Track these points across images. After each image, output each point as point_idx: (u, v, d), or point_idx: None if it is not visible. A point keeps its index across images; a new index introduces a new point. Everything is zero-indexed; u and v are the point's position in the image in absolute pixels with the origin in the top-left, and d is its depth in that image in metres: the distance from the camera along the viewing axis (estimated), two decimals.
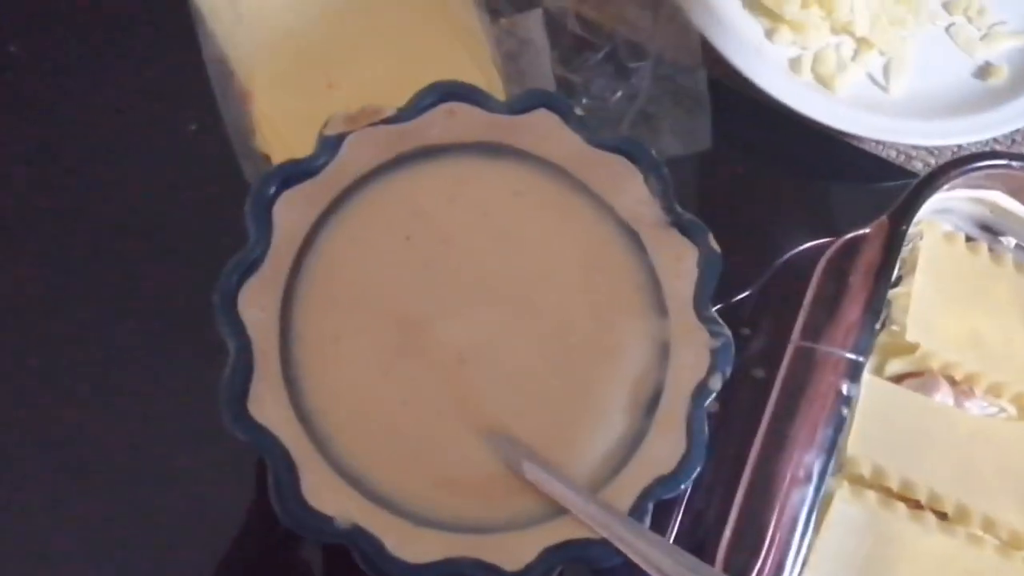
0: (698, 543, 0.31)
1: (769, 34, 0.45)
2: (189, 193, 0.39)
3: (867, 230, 0.34)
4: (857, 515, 0.32)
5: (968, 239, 0.38)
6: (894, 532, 0.33)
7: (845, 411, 0.31)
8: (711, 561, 0.30)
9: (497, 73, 0.40)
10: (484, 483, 0.31)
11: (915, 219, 0.34)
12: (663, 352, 0.33)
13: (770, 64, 0.43)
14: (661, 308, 0.33)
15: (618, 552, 0.28)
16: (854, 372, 0.31)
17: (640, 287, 0.34)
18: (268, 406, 0.29)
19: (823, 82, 0.44)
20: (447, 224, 0.34)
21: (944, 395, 0.35)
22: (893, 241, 0.32)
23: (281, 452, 0.29)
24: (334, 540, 0.28)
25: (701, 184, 0.45)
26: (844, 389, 0.32)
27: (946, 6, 0.47)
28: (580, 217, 0.35)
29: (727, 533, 0.30)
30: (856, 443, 0.33)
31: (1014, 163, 0.35)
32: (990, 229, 0.39)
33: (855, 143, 0.45)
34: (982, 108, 0.45)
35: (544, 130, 0.34)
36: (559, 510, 0.30)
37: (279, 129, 0.37)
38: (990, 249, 0.38)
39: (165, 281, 0.38)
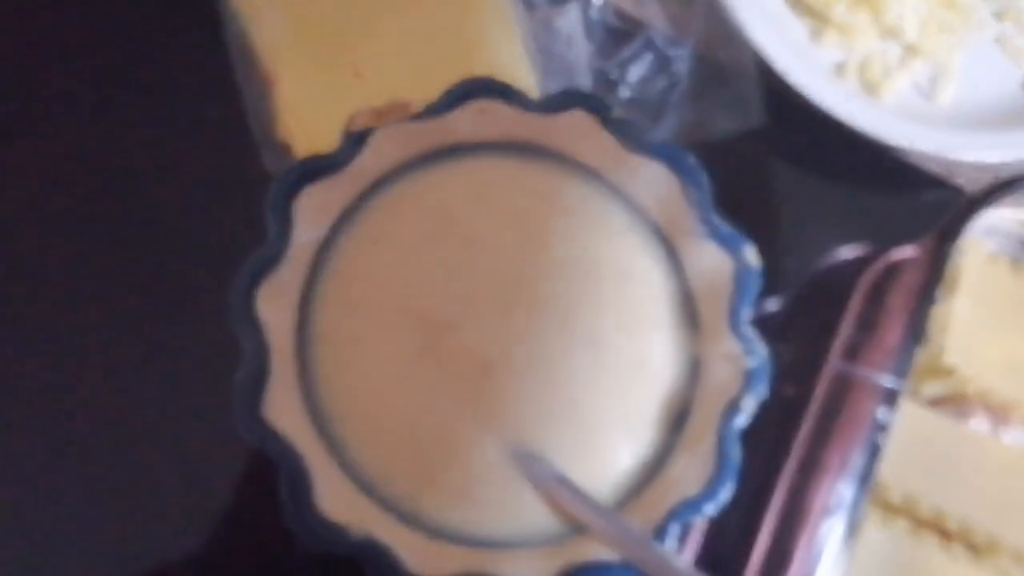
0: (722, 568, 0.30)
1: (814, 36, 0.43)
2: (207, 183, 0.38)
3: (912, 248, 0.33)
4: (885, 543, 0.32)
5: (1013, 260, 0.37)
6: (922, 561, 0.32)
7: (880, 438, 0.30)
8: None
9: (532, 67, 0.39)
10: (503, 497, 0.30)
11: (962, 239, 0.33)
12: (695, 368, 0.32)
13: (814, 68, 0.42)
14: (694, 322, 0.32)
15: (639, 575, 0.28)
16: (891, 398, 0.30)
17: (673, 299, 0.33)
18: (282, 410, 0.29)
19: (869, 88, 0.43)
20: (474, 226, 0.33)
21: (980, 422, 0.34)
22: (940, 262, 0.31)
23: (294, 457, 0.28)
24: (346, 551, 0.28)
25: (736, 186, 0.43)
26: (880, 415, 0.30)
27: (997, 14, 0.46)
28: (613, 223, 0.33)
29: (754, 559, 0.29)
30: (888, 469, 0.32)
31: None
32: None
33: (898, 152, 0.44)
34: None
35: (579, 131, 0.33)
36: (579, 528, 0.29)
37: (303, 118, 0.36)
38: None
39: (179, 275, 0.37)
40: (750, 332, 0.31)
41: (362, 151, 0.32)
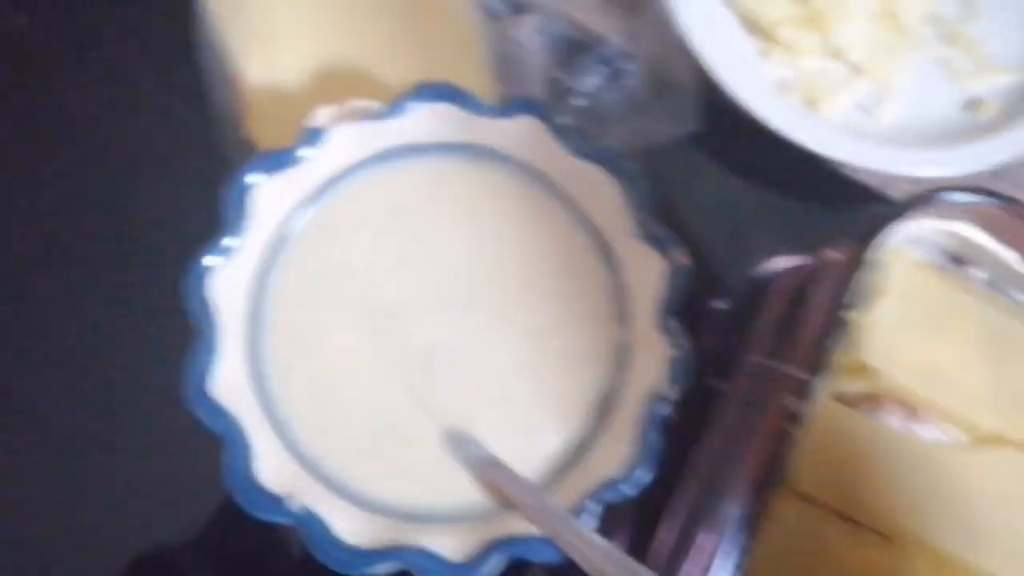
0: (643, 547, 0.32)
1: (763, 53, 0.45)
2: (171, 174, 0.40)
3: (834, 253, 0.34)
4: (795, 528, 0.33)
5: (939, 268, 0.38)
6: (830, 546, 0.33)
7: (793, 428, 0.32)
8: (652, 565, 0.30)
9: (490, 75, 0.41)
10: (436, 476, 0.32)
11: (887, 247, 0.34)
12: (623, 358, 0.33)
13: (760, 84, 0.43)
14: (625, 317, 0.34)
15: (560, 550, 0.29)
16: (805, 391, 0.32)
17: (609, 295, 0.34)
18: (229, 387, 0.30)
19: (812, 105, 0.44)
20: (425, 222, 0.35)
21: (895, 419, 0.36)
22: (857, 267, 0.33)
23: (237, 431, 0.30)
24: (283, 520, 0.29)
25: (680, 195, 0.45)
26: (794, 407, 0.32)
27: (941, 36, 0.47)
28: (557, 223, 0.35)
29: (666, 538, 0.31)
30: (801, 459, 0.34)
31: (985, 198, 0.35)
32: (961, 260, 0.39)
33: (838, 166, 0.45)
34: (969, 141, 0.45)
35: (527, 136, 0.35)
36: (508, 505, 0.31)
37: (268, 117, 0.37)
38: (959, 280, 0.38)
39: (139, 261, 0.39)
40: (676, 327, 0.32)
41: (319, 148, 0.34)
